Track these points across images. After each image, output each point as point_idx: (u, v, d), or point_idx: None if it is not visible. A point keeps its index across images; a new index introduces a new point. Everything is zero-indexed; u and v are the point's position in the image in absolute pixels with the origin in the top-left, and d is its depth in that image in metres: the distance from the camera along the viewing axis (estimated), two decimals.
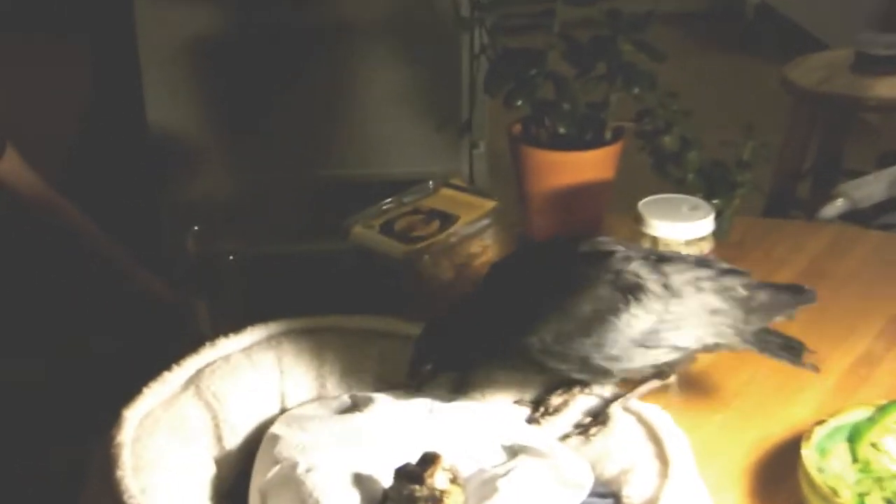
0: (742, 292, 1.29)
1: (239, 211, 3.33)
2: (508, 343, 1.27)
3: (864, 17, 4.55)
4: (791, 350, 1.31)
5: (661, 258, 1.30)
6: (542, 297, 1.27)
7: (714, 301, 1.27)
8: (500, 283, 1.33)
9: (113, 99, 2.98)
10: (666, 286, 1.26)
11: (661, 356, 1.27)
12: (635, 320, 1.24)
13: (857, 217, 2.13)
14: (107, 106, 2.95)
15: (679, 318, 1.26)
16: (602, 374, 1.27)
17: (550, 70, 1.73)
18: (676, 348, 1.27)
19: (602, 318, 1.24)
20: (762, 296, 1.30)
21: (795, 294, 1.32)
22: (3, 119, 1.96)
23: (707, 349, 1.30)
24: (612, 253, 1.29)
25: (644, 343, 1.25)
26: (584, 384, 1.31)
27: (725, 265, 1.32)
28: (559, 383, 1.32)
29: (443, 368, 1.32)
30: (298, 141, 3.39)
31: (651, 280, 1.26)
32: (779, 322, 1.32)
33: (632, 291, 1.25)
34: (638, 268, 1.27)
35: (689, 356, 1.31)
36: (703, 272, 1.29)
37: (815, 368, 1.31)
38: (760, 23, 5.63)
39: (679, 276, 1.27)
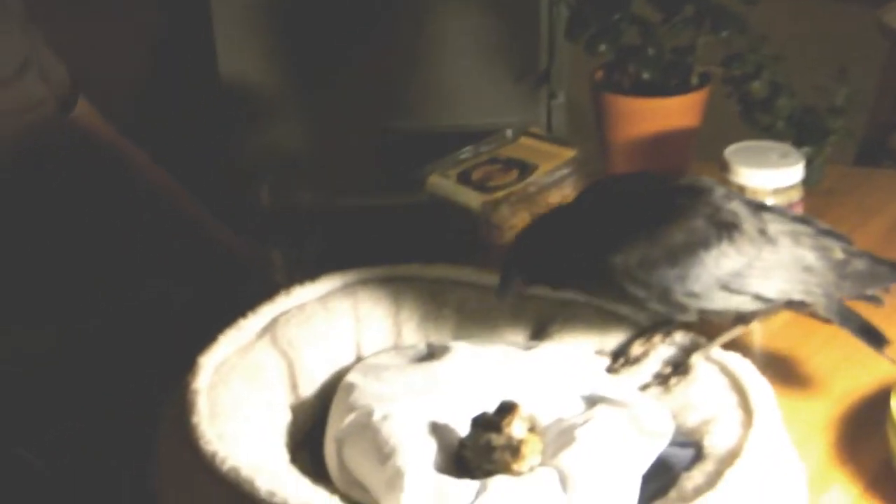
0: (840, 255, 1.24)
1: (312, 163, 3.33)
2: (594, 260, 1.23)
3: None
4: (871, 336, 1.26)
5: (760, 206, 1.27)
6: (634, 221, 1.24)
7: (809, 257, 1.23)
8: (592, 202, 1.30)
9: (184, 49, 2.98)
10: (762, 231, 1.22)
11: (744, 303, 1.23)
12: (724, 259, 1.20)
13: None
14: (178, 56, 2.95)
15: (769, 266, 1.22)
16: (679, 310, 1.24)
17: (635, 14, 1.69)
18: (760, 297, 1.23)
19: (691, 250, 1.20)
20: (859, 263, 1.25)
21: (895, 269, 1.26)
22: (76, 67, 1.96)
23: (791, 306, 1.26)
24: (711, 189, 1.25)
25: (728, 285, 1.21)
26: (666, 332, 1.28)
27: (825, 226, 1.28)
28: (640, 332, 1.29)
29: (531, 280, 1.29)
30: (373, 92, 3.38)
31: (749, 222, 1.22)
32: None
33: (727, 229, 1.21)
34: (737, 207, 1.24)
35: (772, 309, 1.27)
36: (802, 227, 1.25)
37: (895, 361, 1.25)
38: None
39: (777, 226, 1.24)
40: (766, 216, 1.25)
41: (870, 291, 1.25)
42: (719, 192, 1.25)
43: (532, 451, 1.08)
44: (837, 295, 1.24)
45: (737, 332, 1.27)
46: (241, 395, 1.19)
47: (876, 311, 1.27)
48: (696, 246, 1.20)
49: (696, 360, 1.24)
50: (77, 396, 1.66)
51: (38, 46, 1.87)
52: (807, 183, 1.56)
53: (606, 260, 1.22)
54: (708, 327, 1.28)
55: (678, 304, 1.23)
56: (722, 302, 1.23)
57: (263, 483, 1.04)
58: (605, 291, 1.28)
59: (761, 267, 1.22)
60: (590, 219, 1.27)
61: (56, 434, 1.62)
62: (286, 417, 1.23)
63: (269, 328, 1.29)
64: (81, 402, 1.65)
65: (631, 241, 1.21)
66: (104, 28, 2.70)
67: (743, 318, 1.27)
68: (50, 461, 1.58)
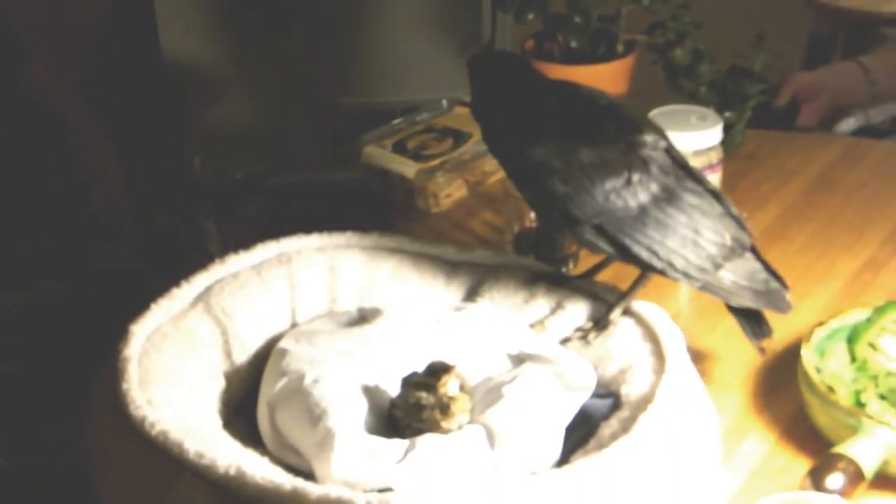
0: (728, 241, 1.24)
1: (254, 137, 3.33)
2: (520, 147, 1.27)
3: None
4: (755, 325, 1.26)
5: (685, 167, 1.28)
6: (566, 126, 1.28)
7: (703, 235, 1.24)
8: (551, 93, 1.32)
9: (127, 24, 2.98)
10: (668, 188, 1.24)
11: (607, 250, 1.26)
12: (613, 197, 1.23)
13: (873, 133, 2.12)
14: (121, 30, 2.95)
15: (653, 224, 1.23)
16: (564, 226, 1.28)
17: None
18: (627, 251, 1.25)
19: (588, 174, 1.23)
20: (745, 264, 1.25)
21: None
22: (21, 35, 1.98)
23: (667, 272, 1.25)
24: (645, 130, 1.27)
25: (603, 226, 1.24)
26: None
27: (736, 211, 1.28)
28: (618, 298, 1.29)
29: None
30: (316, 67, 3.38)
31: (660, 173, 1.25)
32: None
33: (633, 171, 1.23)
34: (658, 156, 1.26)
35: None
36: (713, 203, 1.26)
37: (763, 351, 1.26)
38: None
39: (689, 192, 1.25)
40: (686, 179, 1.26)
41: (740, 302, 1.25)
42: (651, 137, 1.26)
43: (461, 409, 1.11)
44: (711, 283, 1.24)
45: (644, 282, 1.29)
46: (173, 362, 1.21)
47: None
48: (594, 173, 1.23)
49: (616, 316, 1.27)
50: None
51: None
52: (730, 147, 1.60)
53: (526, 152, 1.26)
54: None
55: (566, 221, 1.26)
56: (592, 237, 1.25)
57: (191, 445, 1.05)
58: (518, 178, 1.31)
59: (644, 221, 1.24)
60: (536, 109, 1.30)
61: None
62: (220, 384, 1.24)
63: (203, 296, 1.30)
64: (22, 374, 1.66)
65: (552, 143, 1.25)
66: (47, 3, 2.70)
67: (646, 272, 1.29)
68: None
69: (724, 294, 1.24)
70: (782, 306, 1.24)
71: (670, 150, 1.27)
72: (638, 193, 1.23)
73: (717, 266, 1.23)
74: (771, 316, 1.34)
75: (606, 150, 1.24)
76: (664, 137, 1.28)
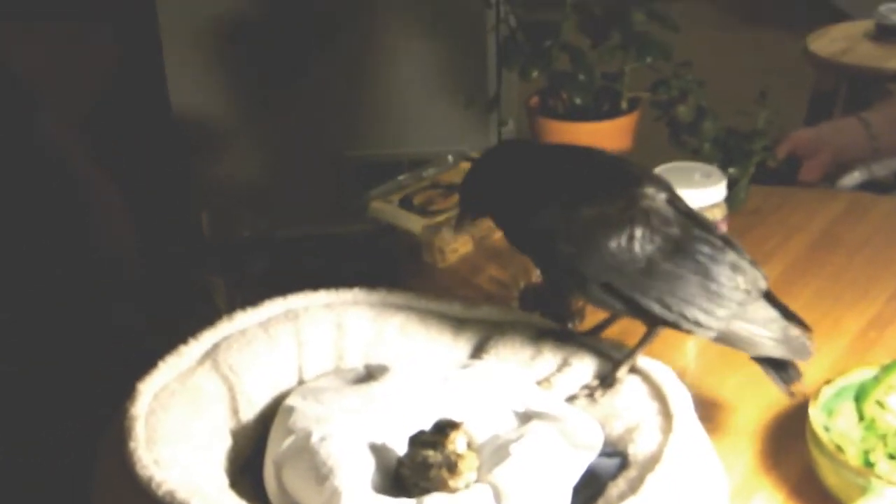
0: (743, 286, 1.24)
1: (262, 192, 3.35)
2: (525, 215, 1.29)
3: None
4: (782, 370, 1.26)
5: (691, 215, 1.28)
6: (565, 189, 1.28)
7: (718, 282, 1.24)
8: (545, 160, 1.34)
9: (136, 80, 3.01)
10: (674, 239, 1.25)
11: (616, 306, 1.27)
12: (619, 254, 1.24)
13: (877, 187, 2.13)
14: (130, 87, 2.97)
15: (662, 278, 1.24)
16: (576, 288, 1.29)
17: (565, 41, 1.75)
18: (638, 307, 1.25)
19: (593, 233, 1.24)
20: (761, 314, 1.25)
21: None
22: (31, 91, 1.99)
23: (679, 323, 1.25)
24: (645, 181, 1.28)
25: (611, 283, 1.25)
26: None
27: (748, 256, 1.28)
28: (624, 356, 1.30)
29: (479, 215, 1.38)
30: (324, 121, 3.40)
31: (664, 225, 1.25)
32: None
33: (634, 225, 1.24)
34: (662, 207, 1.26)
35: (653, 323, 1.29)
36: (725, 249, 1.26)
37: (793, 395, 1.25)
38: None
39: (698, 240, 1.26)
40: (692, 228, 1.26)
41: (759, 352, 1.25)
42: (651, 189, 1.27)
43: (468, 468, 1.11)
44: (726, 333, 1.24)
45: (651, 338, 1.29)
46: (180, 420, 1.21)
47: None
48: (597, 231, 1.24)
49: (622, 372, 1.27)
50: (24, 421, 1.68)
51: None
52: (734, 203, 1.61)
53: (537, 217, 1.27)
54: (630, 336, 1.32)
55: (575, 282, 1.27)
56: (602, 295, 1.26)
57: None
58: (523, 243, 1.32)
59: (652, 274, 1.24)
60: (533, 177, 1.31)
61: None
62: (227, 442, 1.24)
63: (211, 353, 1.31)
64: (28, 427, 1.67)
65: (553, 205, 1.26)
66: (58, 55, 2.72)
67: (655, 328, 1.29)
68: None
69: (742, 345, 1.24)
70: (803, 353, 1.24)
71: (673, 201, 1.28)
72: (643, 246, 1.23)
73: (734, 314, 1.23)
74: None
75: (607, 206, 1.25)
76: (666, 189, 1.29)
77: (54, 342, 1.75)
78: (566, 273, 1.26)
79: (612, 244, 1.23)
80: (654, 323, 1.27)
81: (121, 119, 2.78)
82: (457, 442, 1.11)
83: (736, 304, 1.23)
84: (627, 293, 1.24)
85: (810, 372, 1.33)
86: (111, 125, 2.77)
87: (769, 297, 1.27)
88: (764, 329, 1.24)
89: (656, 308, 1.23)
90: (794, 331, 1.25)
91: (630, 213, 1.24)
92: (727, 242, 1.27)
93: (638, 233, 1.23)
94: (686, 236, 1.25)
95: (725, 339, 1.24)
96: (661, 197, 1.27)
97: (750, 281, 1.25)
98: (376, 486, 1.12)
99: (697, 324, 1.23)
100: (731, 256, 1.25)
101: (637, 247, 1.23)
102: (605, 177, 1.29)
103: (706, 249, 1.25)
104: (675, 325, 1.25)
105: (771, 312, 1.25)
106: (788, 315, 1.27)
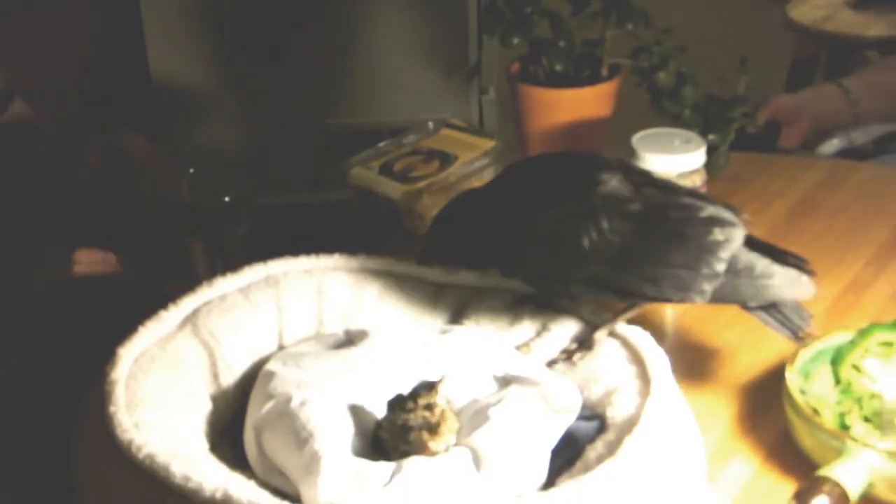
0: (719, 237, 1.25)
1: (244, 159, 3.34)
2: (499, 250, 1.30)
3: None
4: (782, 317, 1.26)
5: (646, 183, 1.29)
6: (525, 203, 1.30)
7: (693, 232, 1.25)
8: (499, 188, 1.36)
9: (116, 48, 2.99)
10: (636, 215, 1.25)
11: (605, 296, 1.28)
12: (583, 251, 1.25)
13: (856, 154, 2.14)
14: (110, 56, 2.96)
15: (632, 257, 1.25)
16: (564, 292, 1.30)
17: (546, 8, 1.74)
18: (621, 291, 1.27)
19: (559, 234, 1.26)
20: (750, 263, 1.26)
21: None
22: (9, 68, 1.98)
23: (672, 297, 1.26)
24: (597, 167, 1.29)
25: (592, 279, 1.26)
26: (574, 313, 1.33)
27: (714, 199, 1.29)
28: (599, 321, 1.31)
29: (448, 262, 1.38)
30: (304, 89, 3.39)
31: (621, 204, 1.26)
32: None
33: (595, 216, 1.25)
34: (616, 188, 1.27)
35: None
36: (690, 203, 1.27)
37: (801, 340, 1.26)
38: None
39: (662, 207, 1.27)
40: (655, 196, 1.27)
41: (761, 301, 1.25)
42: (604, 175, 1.28)
43: (448, 430, 1.12)
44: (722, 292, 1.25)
45: (635, 310, 1.30)
46: (160, 385, 1.22)
47: None
48: (561, 230, 1.26)
49: (601, 336, 1.28)
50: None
51: None
52: (713, 169, 1.61)
53: (501, 240, 1.29)
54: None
55: (559, 285, 1.28)
56: (590, 291, 1.28)
57: (178, 469, 1.06)
58: (503, 265, 1.34)
59: (633, 254, 1.25)
60: (495, 204, 1.33)
61: None
62: (207, 407, 1.25)
63: (191, 319, 1.31)
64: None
65: (517, 223, 1.28)
66: (36, 29, 2.70)
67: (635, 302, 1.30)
68: None
69: (743, 297, 1.25)
70: (806, 289, 1.25)
71: (628, 176, 1.28)
72: (611, 232, 1.24)
73: (721, 260, 1.23)
74: (755, 340, 1.36)
75: (566, 205, 1.26)
76: (619, 167, 1.29)
77: (34, 308, 1.75)
78: (549, 280, 1.28)
79: (584, 240, 1.25)
80: (644, 301, 1.28)
81: (101, 87, 2.77)
82: (436, 400, 1.12)
83: (721, 253, 1.24)
84: (613, 282, 1.25)
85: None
86: (91, 93, 2.75)
87: (756, 243, 1.28)
88: (756, 276, 1.24)
89: (647, 289, 1.24)
90: (791, 271, 1.25)
91: (590, 204, 1.25)
92: (695, 196, 1.28)
93: (603, 221, 1.25)
94: (649, 208, 1.26)
95: (723, 296, 1.24)
96: (616, 178, 1.27)
97: (723, 231, 1.25)
98: (356, 451, 1.13)
99: (687, 289, 1.24)
100: (704, 211, 1.26)
101: (607, 234, 1.24)
102: (554, 179, 1.31)
103: (674, 213, 1.25)
104: (667, 300, 1.26)
105: (750, 255, 1.25)
106: (779, 256, 1.27)
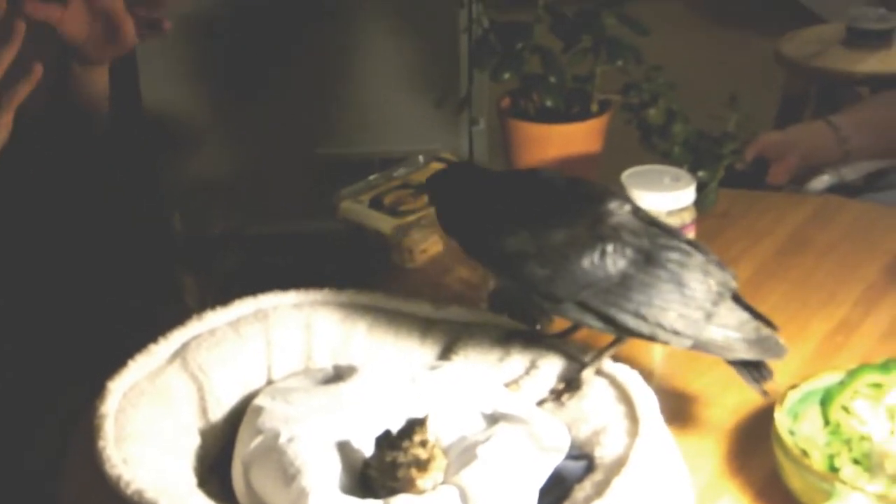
0: (714, 287, 1.26)
1: (235, 189, 3.34)
2: (488, 238, 1.30)
3: None
4: (753, 370, 1.27)
5: (654, 223, 1.30)
6: (532, 212, 1.30)
7: (689, 289, 1.25)
8: (510, 183, 1.36)
9: (110, 77, 2.99)
10: (644, 251, 1.26)
11: (594, 323, 1.28)
12: (593, 271, 1.25)
13: (846, 190, 2.14)
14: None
15: (635, 289, 1.25)
16: (553, 309, 1.30)
17: (537, 43, 1.75)
18: (612, 321, 1.26)
19: (564, 254, 1.26)
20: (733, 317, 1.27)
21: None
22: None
23: (656, 335, 1.26)
24: (607, 198, 1.29)
25: (586, 301, 1.26)
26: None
27: (716, 257, 1.30)
28: (592, 358, 1.31)
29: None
30: (297, 119, 3.40)
31: (632, 238, 1.27)
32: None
33: (604, 241, 1.26)
34: (627, 221, 1.28)
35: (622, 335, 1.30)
36: (692, 253, 1.28)
37: (766, 394, 1.27)
38: None
39: (665, 249, 1.27)
40: (659, 236, 1.28)
41: (735, 356, 1.26)
42: (615, 204, 1.29)
43: (437, 467, 1.12)
44: (701, 340, 1.26)
45: (620, 344, 1.31)
46: (149, 419, 1.22)
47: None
48: (568, 251, 1.26)
49: (588, 375, 1.28)
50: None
51: None
52: (703, 206, 1.62)
53: (499, 243, 1.28)
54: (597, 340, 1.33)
55: (550, 303, 1.28)
56: (577, 314, 1.28)
57: None
58: (497, 270, 1.34)
59: (628, 286, 1.25)
60: (500, 198, 1.33)
61: None
62: (195, 442, 1.25)
63: (180, 352, 1.31)
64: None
65: (522, 231, 1.28)
66: (25, 51, 2.69)
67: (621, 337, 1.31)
68: None
69: (717, 350, 1.26)
70: (778, 351, 1.25)
71: (637, 212, 1.30)
72: (616, 261, 1.25)
73: (709, 315, 1.25)
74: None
75: (576, 227, 1.27)
76: (628, 201, 1.30)
77: (24, 340, 1.75)
78: (541, 295, 1.28)
79: (586, 264, 1.25)
80: (626, 336, 1.29)
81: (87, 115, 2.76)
82: (418, 444, 1.11)
83: (709, 306, 1.25)
84: (603, 309, 1.26)
85: (776, 377, 1.34)
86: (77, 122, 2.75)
87: (737, 299, 1.28)
88: (737, 332, 1.25)
89: (631, 322, 1.25)
90: (766, 331, 1.26)
91: (599, 231, 1.26)
92: (695, 246, 1.29)
93: (609, 249, 1.25)
94: (654, 245, 1.27)
95: (700, 345, 1.26)
96: (626, 209, 1.29)
97: (720, 282, 1.26)
98: (344, 487, 1.13)
99: (675, 332, 1.24)
100: (699, 260, 1.27)
101: (610, 263, 1.25)
102: (567, 197, 1.31)
103: (675, 256, 1.26)
104: (651, 337, 1.26)
105: (742, 314, 1.27)
106: (757, 316, 1.28)
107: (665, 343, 1.26)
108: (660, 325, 1.24)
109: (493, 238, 1.30)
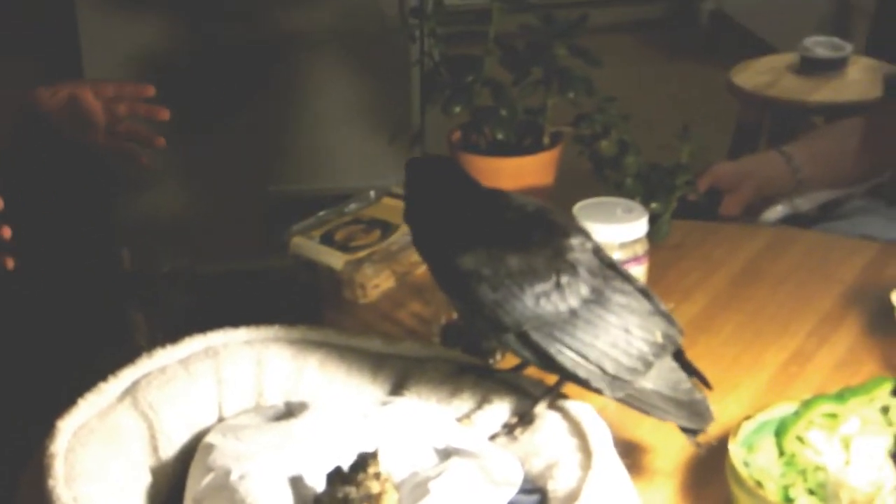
0: (659, 339, 1.26)
1: (185, 226, 3.33)
2: (449, 250, 1.29)
3: (814, 22, 4.59)
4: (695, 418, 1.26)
5: (611, 265, 1.29)
6: (492, 234, 1.29)
7: (632, 336, 1.25)
8: (476, 201, 1.34)
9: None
10: (597, 291, 1.25)
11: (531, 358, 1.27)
12: (543, 303, 1.24)
13: (800, 220, 2.15)
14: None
15: (579, 331, 1.24)
16: (499, 334, 1.28)
17: (487, 76, 1.75)
18: (549, 358, 1.25)
19: (518, 282, 1.24)
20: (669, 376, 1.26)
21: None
22: None
23: (590, 381, 1.25)
24: (570, 234, 1.29)
25: (531, 333, 1.25)
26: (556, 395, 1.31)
27: (665, 308, 1.29)
28: (544, 393, 1.30)
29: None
30: (248, 156, 3.40)
31: (588, 276, 1.26)
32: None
33: (560, 274, 1.24)
34: (584, 258, 1.27)
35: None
36: (641, 301, 1.27)
37: (700, 446, 1.25)
38: (715, 29, 5.68)
39: (616, 292, 1.26)
40: (614, 279, 1.27)
41: (662, 417, 1.25)
42: (578, 240, 1.28)
43: (389, 502, 1.11)
44: (633, 395, 1.25)
45: (562, 385, 1.29)
46: (100, 457, 1.20)
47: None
48: (522, 280, 1.24)
49: (541, 409, 1.27)
50: None
51: None
52: (656, 237, 1.62)
53: (455, 259, 1.27)
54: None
55: (494, 331, 1.27)
56: (516, 346, 1.27)
57: None
58: (447, 285, 1.32)
59: (574, 324, 1.24)
60: (461, 216, 1.32)
61: None
62: (146, 480, 1.23)
63: (131, 391, 1.29)
64: None
65: (481, 250, 1.26)
66: None
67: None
68: None
69: (647, 407, 1.24)
70: (705, 418, 1.24)
71: (597, 252, 1.29)
72: (567, 297, 1.24)
73: (648, 365, 1.24)
74: None
75: (534, 256, 1.26)
76: (590, 239, 1.30)
77: None
78: (485, 319, 1.27)
79: (538, 293, 1.24)
80: (562, 377, 1.27)
81: (41, 152, 2.75)
82: (370, 479, 1.10)
83: (651, 357, 1.24)
84: (543, 345, 1.25)
85: (731, 408, 1.34)
86: (31, 159, 2.73)
87: (678, 355, 1.28)
88: (671, 391, 1.25)
89: (569, 363, 1.24)
90: (699, 395, 1.26)
91: (557, 263, 1.25)
92: (647, 295, 1.28)
93: (564, 281, 1.24)
94: (608, 287, 1.26)
95: (632, 398, 1.24)
96: (588, 247, 1.28)
97: (666, 335, 1.26)
98: None
99: (615, 377, 1.23)
100: (648, 307, 1.27)
101: (562, 297, 1.24)
102: (532, 225, 1.30)
103: (625, 301, 1.26)
104: (584, 383, 1.25)
105: (679, 374, 1.26)
106: (690, 371, 1.28)
107: (597, 391, 1.24)
108: (600, 368, 1.23)
109: (451, 250, 1.29)
